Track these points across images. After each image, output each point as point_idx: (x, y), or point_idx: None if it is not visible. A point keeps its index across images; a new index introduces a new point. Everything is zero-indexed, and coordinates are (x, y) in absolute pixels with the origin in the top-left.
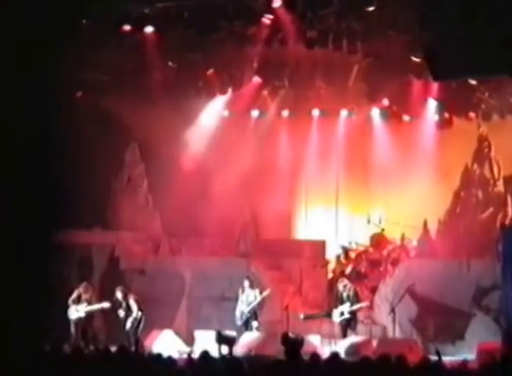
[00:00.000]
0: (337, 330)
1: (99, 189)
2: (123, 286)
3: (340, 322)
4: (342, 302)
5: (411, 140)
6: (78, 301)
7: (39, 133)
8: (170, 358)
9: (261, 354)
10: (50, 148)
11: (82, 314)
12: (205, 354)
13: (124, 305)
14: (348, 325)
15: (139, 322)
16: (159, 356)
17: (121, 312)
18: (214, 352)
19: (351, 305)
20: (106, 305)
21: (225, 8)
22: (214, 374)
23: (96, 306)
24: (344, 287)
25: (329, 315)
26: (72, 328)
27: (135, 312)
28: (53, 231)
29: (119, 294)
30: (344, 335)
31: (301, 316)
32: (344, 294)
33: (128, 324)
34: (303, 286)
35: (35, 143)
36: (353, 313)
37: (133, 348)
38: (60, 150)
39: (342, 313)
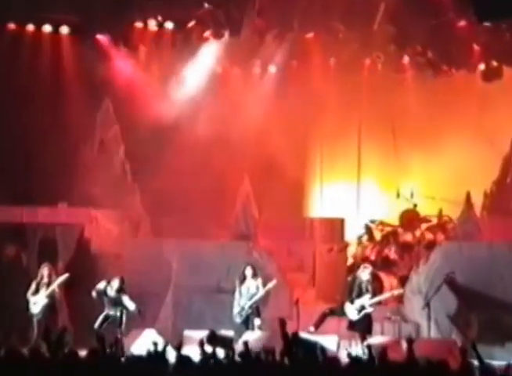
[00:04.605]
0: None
1: (65, 157)
2: (101, 276)
3: (358, 321)
4: (360, 295)
5: (450, 96)
6: (37, 290)
7: None
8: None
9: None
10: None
11: (44, 302)
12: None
13: (116, 299)
14: (370, 323)
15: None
16: (140, 358)
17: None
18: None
19: (372, 296)
20: (65, 276)
21: None
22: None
23: (56, 283)
24: (365, 274)
25: (342, 312)
26: (34, 326)
27: (132, 307)
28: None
29: (116, 283)
30: (363, 338)
31: (311, 328)
32: (363, 285)
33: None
34: (316, 275)
35: None
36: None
37: (111, 349)
38: (14, 109)
39: (362, 308)
